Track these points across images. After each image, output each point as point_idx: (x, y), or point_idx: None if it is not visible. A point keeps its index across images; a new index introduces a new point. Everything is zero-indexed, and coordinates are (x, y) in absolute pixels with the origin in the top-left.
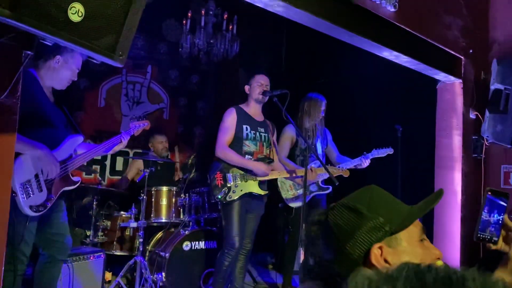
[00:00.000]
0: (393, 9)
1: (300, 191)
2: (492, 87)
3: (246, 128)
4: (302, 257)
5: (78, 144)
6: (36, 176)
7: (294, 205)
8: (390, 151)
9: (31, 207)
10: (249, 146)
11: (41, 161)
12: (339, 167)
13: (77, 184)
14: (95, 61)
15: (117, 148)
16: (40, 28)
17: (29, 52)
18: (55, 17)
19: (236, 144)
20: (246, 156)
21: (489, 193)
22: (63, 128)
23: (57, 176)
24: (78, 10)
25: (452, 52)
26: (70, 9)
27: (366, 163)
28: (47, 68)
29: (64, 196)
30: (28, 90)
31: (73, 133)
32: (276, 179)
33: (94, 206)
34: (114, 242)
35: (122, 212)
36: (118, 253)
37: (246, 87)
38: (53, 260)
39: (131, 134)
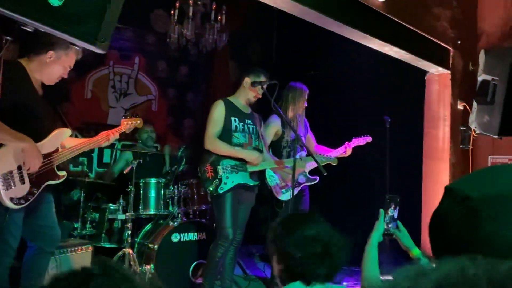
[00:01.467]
0: (381, 0)
1: (289, 184)
2: (479, 78)
3: (235, 120)
4: None
5: (65, 138)
6: (19, 167)
7: (283, 197)
8: (368, 139)
9: (11, 199)
10: (238, 138)
11: (24, 153)
12: (326, 155)
13: (62, 179)
14: (77, 48)
15: (104, 144)
16: (19, 12)
17: (8, 37)
18: (34, 1)
19: (225, 136)
20: (236, 148)
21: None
22: (50, 122)
23: (42, 168)
24: None
25: (441, 43)
26: None
27: (348, 152)
28: (38, 62)
29: (51, 189)
30: (16, 81)
31: (60, 126)
32: (264, 171)
33: (81, 198)
34: (103, 234)
35: (110, 204)
36: (107, 245)
37: (247, 80)
38: (41, 252)
39: (121, 131)
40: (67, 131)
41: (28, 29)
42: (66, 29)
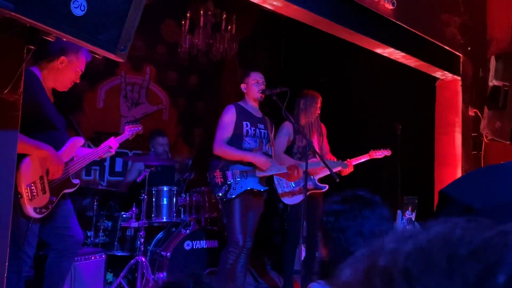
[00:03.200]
0: (391, 7)
1: (296, 188)
2: (490, 84)
3: (246, 124)
4: (303, 255)
5: (79, 147)
6: (41, 177)
7: (289, 201)
8: (387, 152)
9: (35, 209)
10: (249, 142)
11: (47, 161)
12: (339, 163)
13: (77, 187)
14: (97, 56)
15: (106, 155)
16: (43, 22)
17: (31, 47)
18: (58, 11)
19: (236, 140)
20: (245, 151)
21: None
22: (64, 130)
23: (61, 177)
24: (81, 4)
25: (451, 50)
26: (73, 3)
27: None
28: (50, 69)
29: (67, 197)
30: (31, 90)
31: (74, 135)
32: (272, 176)
33: (94, 206)
34: (115, 243)
35: (122, 212)
36: (119, 253)
37: (242, 86)
38: (63, 256)
39: (126, 139)
40: (81, 140)
41: (49, 39)
42: (88, 38)
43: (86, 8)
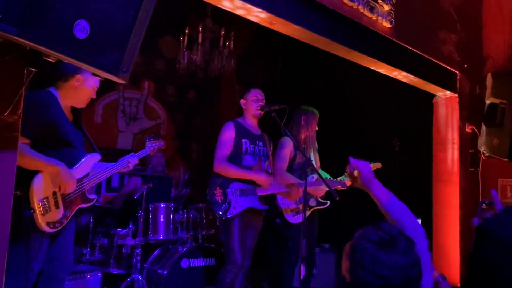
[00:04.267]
0: (389, 25)
1: (300, 206)
2: (487, 101)
3: (246, 142)
4: (303, 273)
5: (95, 162)
6: (54, 193)
7: (293, 220)
8: (378, 166)
9: (48, 223)
10: (248, 160)
11: (58, 177)
12: (339, 182)
13: (93, 202)
14: (98, 77)
15: (124, 170)
16: (46, 45)
17: (32, 69)
18: (60, 34)
19: (236, 158)
20: (246, 170)
21: None
22: (81, 147)
23: (74, 193)
24: (84, 27)
25: (448, 67)
26: (76, 26)
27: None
28: (67, 88)
29: (81, 213)
30: (47, 110)
31: (90, 151)
32: (274, 195)
33: (91, 223)
34: (111, 260)
35: (119, 229)
36: (115, 271)
37: (242, 101)
38: (53, 278)
39: (147, 154)
40: (97, 156)
41: (50, 60)
42: (90, 61)
43: (89, 32)
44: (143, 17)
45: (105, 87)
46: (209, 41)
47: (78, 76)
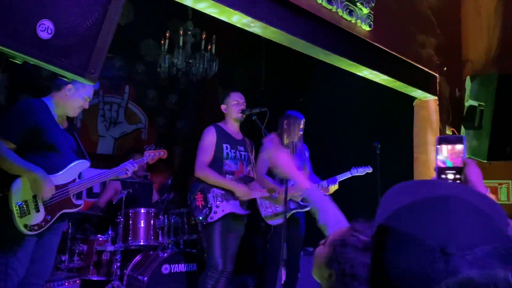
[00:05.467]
0: (368, 28)
1: (279, 209)
2: (466, 104)
3: (227, 147)
4: (283, 278)
5: (84, 169)
6: (35, 196)
7: (273, 222)
8: (369, 169)
9: (25, 225)
10: (229, 165)
11: (35, 183)
12: (320, 184)
13: (79, 207)
14: (65, 80)
15: (122, 176)
16: (8, 46)
17: None
18: (23, 34)
19: (217, 163)
20: (227, 176)
21: None
22: (70, 154)
23: (57, 197)
24: (48, 27)
25: (427, 70)
26: (39, 26)
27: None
28: (59, 97)
29: (66, 218)
30: (34, 115)
31: (79, 158)
32: (255, 199)
33: (69, 229)
34: (91, 267)
35: (98, 235)
36: (95, 278)
37: (223, 107)
38: (28, 284)
39: (144, 163)
40: (85, 163)
41: (17, 62)
42: (55, 62)
43: (53, 31)
44: (111, 16)
45: None
46: (190, 45)
47: (70, 85)
